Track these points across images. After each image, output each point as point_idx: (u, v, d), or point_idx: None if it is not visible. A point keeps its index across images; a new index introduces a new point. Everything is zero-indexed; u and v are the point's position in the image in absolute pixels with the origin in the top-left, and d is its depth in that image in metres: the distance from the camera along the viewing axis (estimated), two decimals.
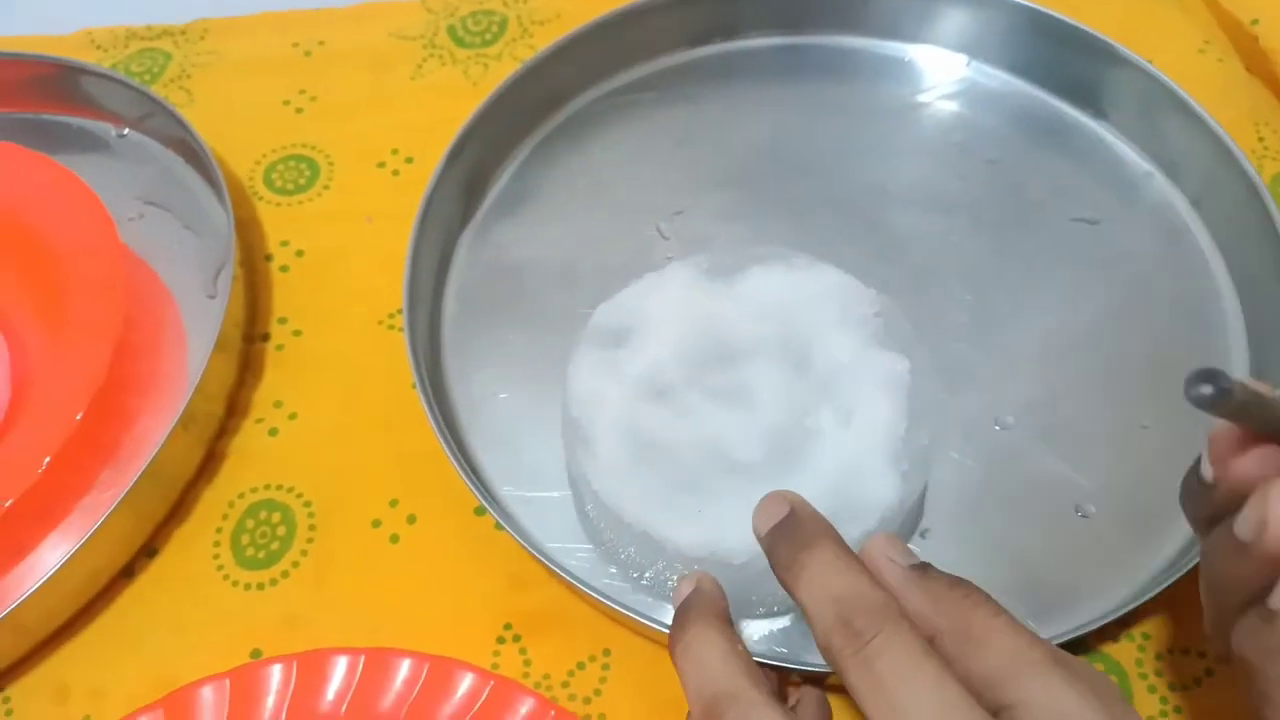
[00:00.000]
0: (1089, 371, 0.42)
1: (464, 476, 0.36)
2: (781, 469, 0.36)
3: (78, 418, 0.39)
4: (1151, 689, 0.35)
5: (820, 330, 0.38)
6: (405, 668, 0.34)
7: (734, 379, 0.38)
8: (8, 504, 0.38)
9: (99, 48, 0.55)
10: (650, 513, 0.35)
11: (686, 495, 0.35)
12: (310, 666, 0.34)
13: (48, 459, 0.38)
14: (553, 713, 0.33)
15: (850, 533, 0.34)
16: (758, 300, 0.39)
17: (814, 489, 0.34)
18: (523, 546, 0.36)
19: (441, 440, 0.37)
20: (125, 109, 0.51)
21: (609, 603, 0.34)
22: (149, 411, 0.44)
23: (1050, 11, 0.47)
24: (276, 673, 0.34)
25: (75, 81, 0.51)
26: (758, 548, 0.33)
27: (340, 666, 0.34)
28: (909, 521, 0.37)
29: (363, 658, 0.34)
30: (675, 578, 0.36)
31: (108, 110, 0.51)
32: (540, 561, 0.35)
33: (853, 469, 0.35)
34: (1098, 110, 0.48)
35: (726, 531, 0.34)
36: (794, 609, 0.36)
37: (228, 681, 0.34)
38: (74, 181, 0.46)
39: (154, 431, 0.43)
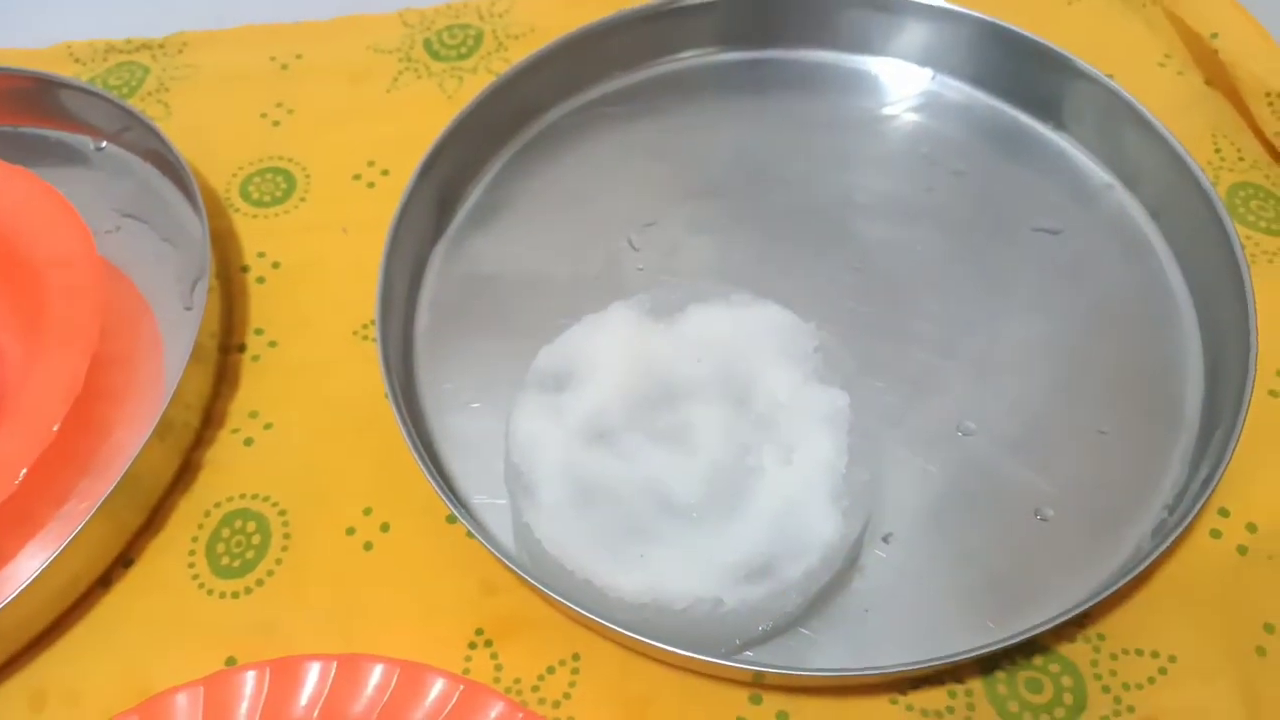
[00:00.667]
0: (1049, 378, 0.42)
1: (434, 485, 0.37)
2: (723, 510, 0.36)
3: (55, 428, 0.40)
4: (1105, 689, 0.36)
5: (760, 367, 0.39)
6: (377, 673, 0.35)
7: (675, 419, 0.38)
8: None
9: (77, 61, 0.56)
10: (592, 561, 0.35)
11: (628, 541, 0.36)
12: (283, 673, 0.35)
13: (25, 470, 0.39)
14: (521, 716, 0.34)
15: (791, 571, 0.35)
16: (698, 339, 0.40)
17: (755, 528, 0.36)
18: (492, 554, 0.36)
19: (412, 449, 0.38)
20: (103, 122, 0.51)
21: (577, 609, 0.34)
22: (125, 422, 0.44)
23: (1010, 26, 0.48)
24: (250, 679, 0.35)
25: (53, 95, 0.51)
26: (699, 592, 0.34)
27: (313, 673, 0.35)
28: (851, 553, 0.38)
29: (335, 664, 0.35)
30: None
31: (86, 123, 0.52)
32: (510, 569, 0.36)
33: (794, 507, 0.36)
34: (1059, 123, 0.49)
35: (668, 577, 0.35)
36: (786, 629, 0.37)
37: (202, 689, 0.35)
38: (51, 194, 0.47)
39: (130, 442, 0.44)
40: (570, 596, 0.34)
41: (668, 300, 0.41)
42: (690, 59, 0.53)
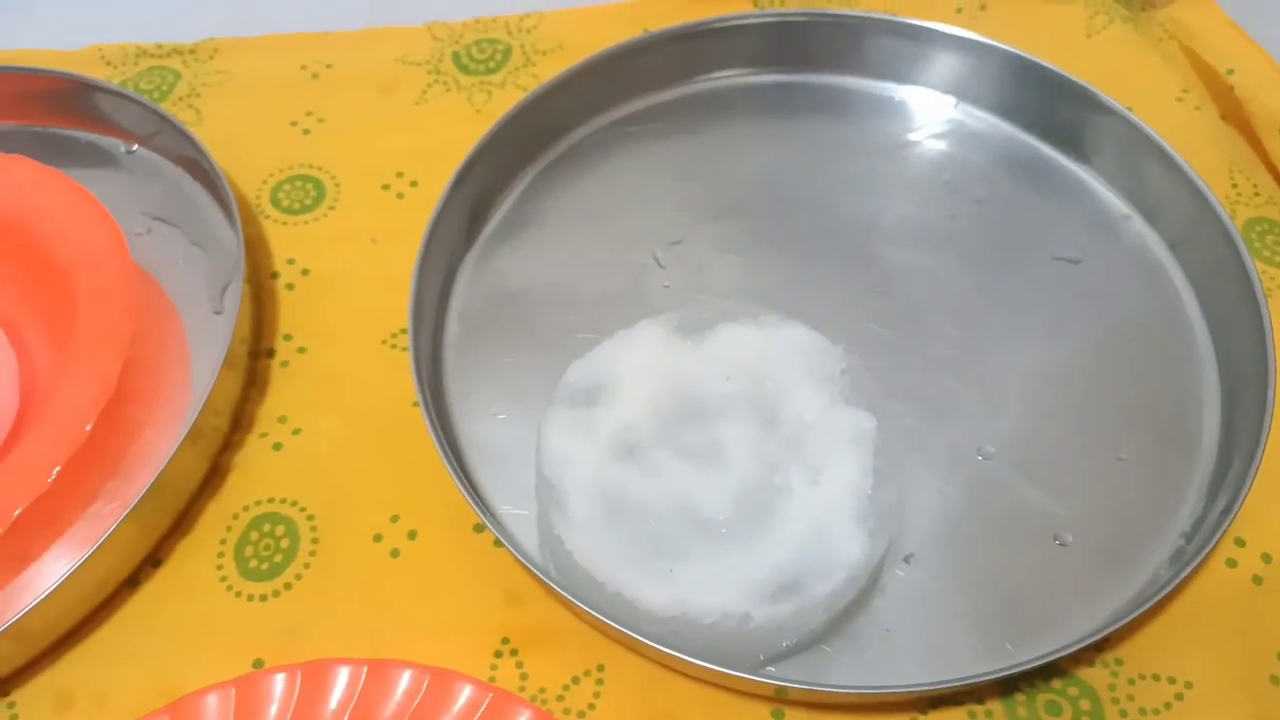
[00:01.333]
0: (1068, 405, 0.43)
1: (465, 494, 0.38)
2: (751, 527, 0.37)
3: (87, 428, 0.40)
4: (1123, 713, 0.36)
5: (788, 388, 0.40)
6: (406, 678, 0.35)
7: (704, 437, 0.39)
8: (16, 513, 0.39)
9: (109, 64, 0.56)
10: (623, 575, 0.36)
11: (657, 555, 0.36)
12: (313, 676, 0.35)
13: (57, 469, 0.39)
14: None
15: (818, 590, 0.35)
16: (727, 358, 0.41)
17: (783, 547, 0.36)
18: (520, 562, 0.37)
19: (444, 457, 0.38)
20: (135, 126, 0.52)
21: (608, 621, 0.35)
22: (153, 424, 0.45)
23: (1035, 58, 0.49)
24: (280, 682, 0.35)
25: (87, 97, 0.52)
26: (727, 607, 0.34)
27: (343, 677, 0.35)
28: (874, 573, 0.38)
29: (365, 669, 0.35)
30: None
31: (118, 126, 0.52)
32: (537, 578, 0.36)
33: (821, 527, 0.37)
34: (1080, 154, 0.50)
35: (697, 592, 0.35)
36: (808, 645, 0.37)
37: (233, 690, 0.35)
38: (84, 195, 0.47)
39: (158, 444, 0.44)
40: (600, 608, 0.35)
41: (697, 319, 0.41)
42: (717, 80, 0.53)
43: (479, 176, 0.48)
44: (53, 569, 0.40)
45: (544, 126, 0.51)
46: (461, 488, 0.38)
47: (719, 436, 0.39)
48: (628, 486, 0.37)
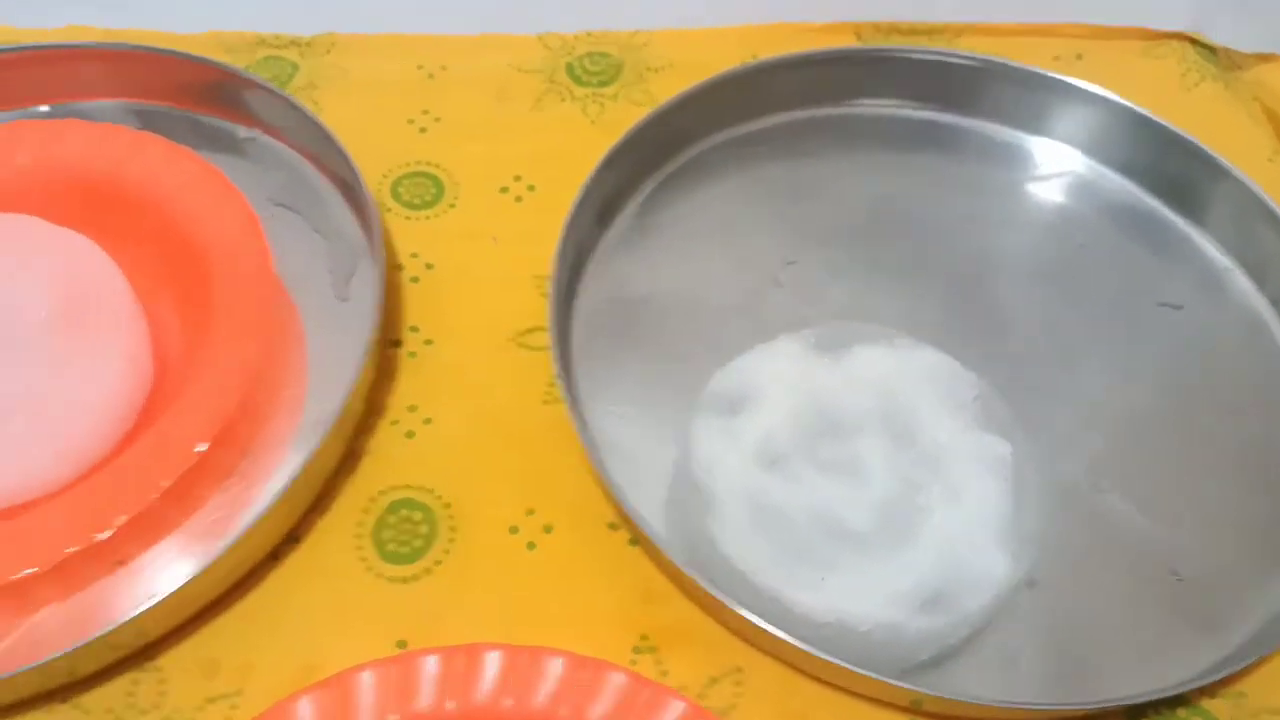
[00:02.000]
0: (1177, 444, 0.45)
1: (613, 493, 0.38)
2: (894, 541, 0.38)
3: (231, 405, 0.41)
4: None
5: (923, 410, 0.41)
6: (559, 665, 0.36)
7: (843, 451, 0.40)
8: (165, 485, 0.39)
9: (228, 50, 0.57)
10: (774, 579, 0.37)
11: (805, 562, 0.37)
12: (466, 659, 0.36)
13: (203, 445, 0.40)
14: None
15: (966, 605, 0.37)
16: (863, 377, 0.42)
17: (926, 562, 0.37)
18: (669, 561, 0.37)
19: (590, 456, 0.39)
20: (263, 112, 0.52)
21: (760, 622, 0.36)
22: (276, 405, 0.45)
23: (1152, 115, 0.51)
24: (434, 663, 0.36)
25: (215, 81, 0.52)
26: (880, 617, 0.36)
27: (495, 660, 0.36)
28: (1011, 595, 0.39)
29: (517, 654, 0.36)
30: None
31: (245, 112, 0.53)
32: (683, 577, 0.37)
33: (964, 546, 0.38)
34: (1188, 208, 0.51)
35: (850, 599, 0.36)
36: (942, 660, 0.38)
37: (392, 668, 0.35)
38: (218, 176, 0.48)
39: (283, 425, 0.45)
40: (755, 611, 0.36)
41: (833, 337, 0.43)
42: (837, 107, 0.55)
43: (604, 183, 0.49)
44: (188, 543, 0.41)
45: (667, 139, 0.52)
46: (612, 489, 0.38)
47: (858, 452, 0.40)
48: (774, 494, 0.38)
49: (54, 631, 0.38)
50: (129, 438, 0.42)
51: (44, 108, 0.54)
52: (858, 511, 0.38)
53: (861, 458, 0.40)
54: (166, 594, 0.36)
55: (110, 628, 0.36)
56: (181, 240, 0.46)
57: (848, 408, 0.41)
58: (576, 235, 0.47)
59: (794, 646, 0.35)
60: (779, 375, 0.41)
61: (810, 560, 0.37)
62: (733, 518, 0.38)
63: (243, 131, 0.53)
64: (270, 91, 0.51)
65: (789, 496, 0.38)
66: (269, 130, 0.53)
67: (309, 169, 0.52)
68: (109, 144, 0.49)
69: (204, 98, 0.53)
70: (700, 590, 0.36)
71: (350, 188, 0.49)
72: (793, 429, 0.40)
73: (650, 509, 0.42)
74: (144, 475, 0.39)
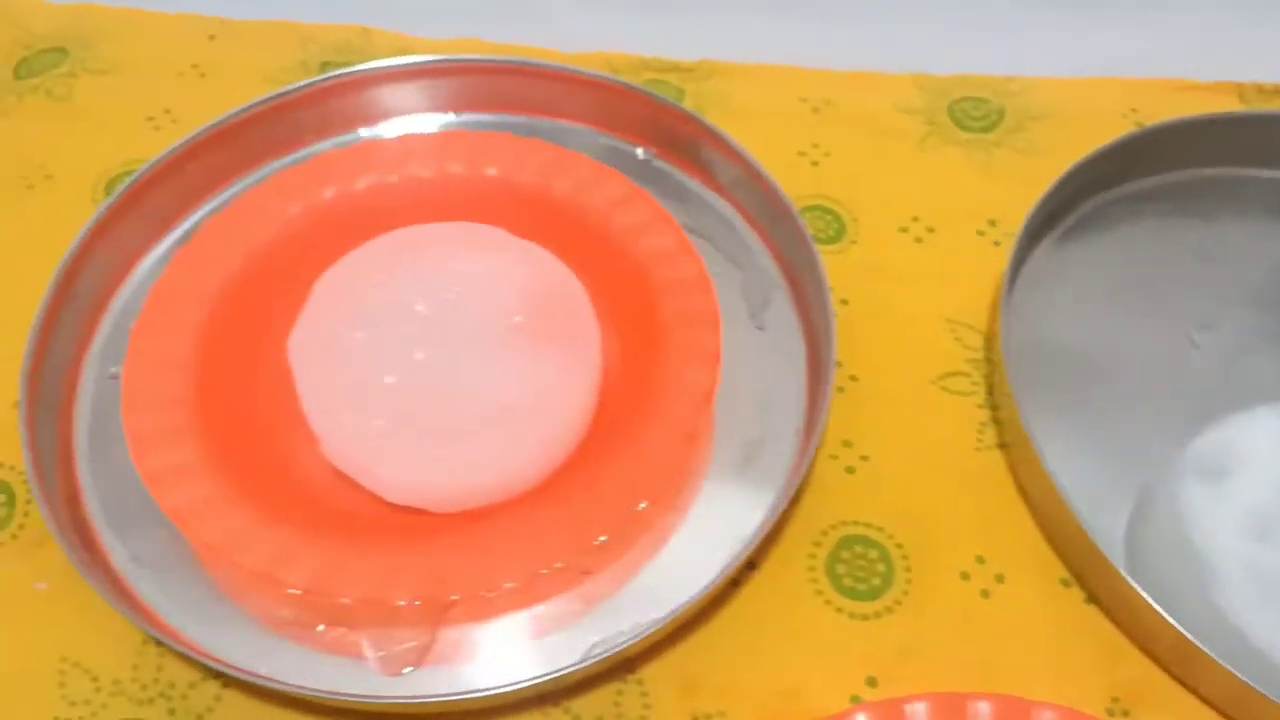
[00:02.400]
0: None
1: (1103, 556, 0.38)
2: None
3: (695, 424, 0.42)
4: None
5: None
6: (1049, 717, 0.36)
7: None
8: (642, 507, 0.40)
9: (615, 71, 0.58)
10: None
11: None
12: (954, 707, 0.36)
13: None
14: None
15: None
16: None
17: None
18: (1147, 626, 0.37)
19: (1051, 514, 0.39)
20: (663, 136, 0.53)
21: (1253, 685, 0.35)
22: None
23: None
24: (922, 711, 0.36)
25: (615, 101, 0.53)
26: None
27: (983, 710, 0.36)
28: None
29: (1005, 703, 0.36)
30: None
31: (639, 133, 0.54)
32: (1192, 643, 0.36)
33: None
34: None
35: None
36: None
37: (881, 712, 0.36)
38: (644, 196, 0.49)
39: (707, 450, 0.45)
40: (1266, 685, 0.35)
41: None
42: (1232, 169, 0.54)
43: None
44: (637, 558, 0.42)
45: (1068, 192, 0.51)
46: (1097, 553, 0.38)
47: None
48: (1269, 565, 0.38)
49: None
50: (581, 449, 0.43)
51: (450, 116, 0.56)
52: None
53: None
54: (670, 613, 0.37)
55: (616, 647, 0.37)
56: (622, 258, 0.47)
57: None
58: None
59: None
60: (1261, 447, 0.41)
61: None
62: (1235, 589, 0.37)
63: (640, 152, 0.54)
64: (689, 118, 0.52)
65: None
66: (662, 154, 0.54)
67: (706, 191, 0.53)
68: (535, 159, 0.51)
69: (614, 122, 0.55)
70: (1206, 665, 0.36)
71: (777, 216, 0.49)
72: (1277, 501, 0.39)
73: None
74: (622, 493, 0.40)
